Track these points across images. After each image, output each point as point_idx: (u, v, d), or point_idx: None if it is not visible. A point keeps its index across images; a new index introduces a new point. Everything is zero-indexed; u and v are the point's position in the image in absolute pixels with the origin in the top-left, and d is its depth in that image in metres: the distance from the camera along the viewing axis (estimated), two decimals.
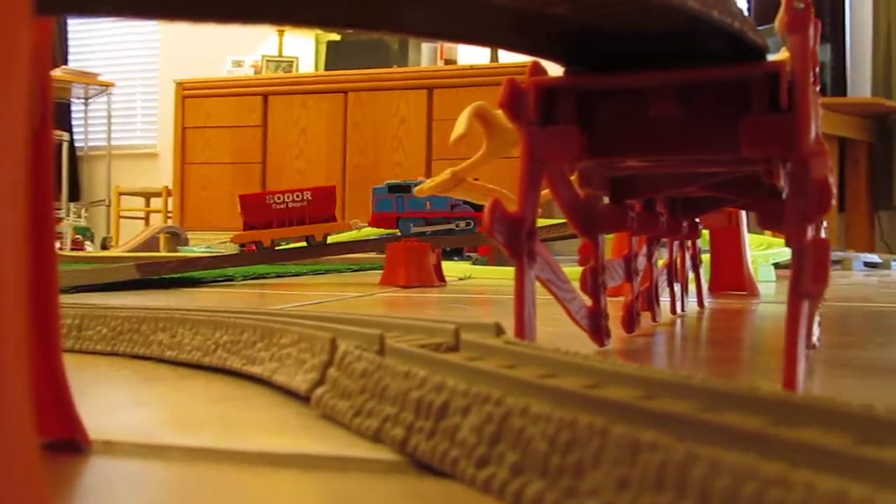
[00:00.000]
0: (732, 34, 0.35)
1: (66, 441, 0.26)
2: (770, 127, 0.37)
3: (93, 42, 4.93)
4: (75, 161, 4.75)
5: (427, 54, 4.16)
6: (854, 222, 3.48)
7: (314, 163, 3.96)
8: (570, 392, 0.23)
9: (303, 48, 4.40)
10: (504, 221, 0.40)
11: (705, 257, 1.14)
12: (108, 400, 0.36)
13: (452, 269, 1.67)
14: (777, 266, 1.63)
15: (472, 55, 4.02)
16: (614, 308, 0.54)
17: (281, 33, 4.33)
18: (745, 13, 0.36)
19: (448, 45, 4.05)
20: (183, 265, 1.26)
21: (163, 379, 0.40)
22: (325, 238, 1.43)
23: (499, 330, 0.37)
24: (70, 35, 4.87)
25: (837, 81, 3.58)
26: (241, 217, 1.45)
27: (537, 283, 0.43)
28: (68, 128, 4.69)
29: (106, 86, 4.60)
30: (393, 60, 4.10)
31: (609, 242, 0.68)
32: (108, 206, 4.58)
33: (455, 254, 2.19)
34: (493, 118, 0.55)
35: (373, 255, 1.78)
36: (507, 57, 3.91)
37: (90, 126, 4.83)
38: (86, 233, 3.96)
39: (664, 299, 0.72)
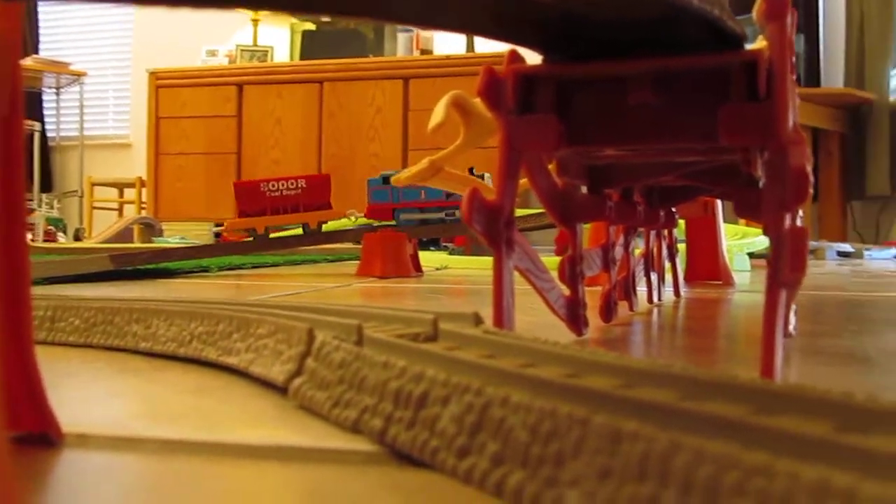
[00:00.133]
0: (711, 22, 0.35)
1: (39, 434, 0.26)
2: (748, 115, 0.37)
3: (64, 30, 4.87)
4: (47, 151, 4.69)
5: (403, 44, 4.14)
6: (827, 212, 3.51)
7: (289, 153, 3.93)
8: (550, 382, 0.23)
9: (278, 38, 4.37)
10: (482, 210, 0.40)
11: (681, 247, 1.15)
12: (82, 392, 0.35)
13: (429, 259, 1.67)
14: (752, 255, 1.64)
15: (447, 45, 4.02)
16: (592, 297, 0.54)
17: (255, 23, 4.30)
18: (724, 1, 0.36)
19: (424, 35, 4.03)
20: (157, 256, 1.24)
21: (137, 371, 0.40)
22: (319, 226, 1.42)
23: (477, 319, 0.36)
24: (41, 23, 4.80)
25: (811, 72, 3.61)
26: (235, 204, 1.45)
27: (515, 273, 0.43)
28: (40, 118, 4.63)
29: (78, 75, 4.55)
30: (368, 50, 4.08)
31: (586, 232, 0.68)
32: (81, 196, 4.53)
33: (431, 244, 2.19)
34: (471, 107, 0.55)
35: (349, 245, 1.78)
36: (483, 47, 3.91)
37: (62, 116, 4.78)
38: (58, 224, 3.91)
39: (641, 289, 0.73)
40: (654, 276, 0.78)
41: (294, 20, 4.27)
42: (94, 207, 4.40)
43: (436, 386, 0.25)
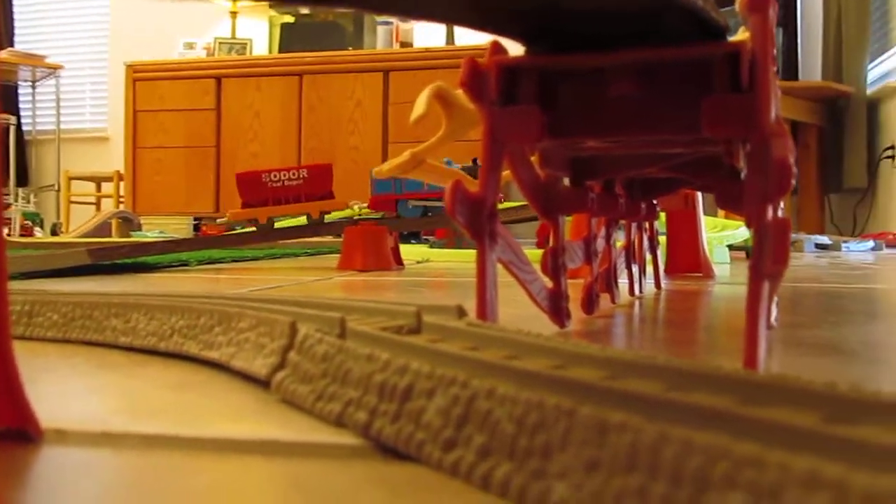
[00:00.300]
0: (695, 13, 0.35)
1: (17, 430, 0.25)
2: (731, 107, 0.37)
3: (40, 23, 4.82)
4: (23, 145, 4.65)
5: (383, 37, 4.13)
6: (805, 205, 3.54)
7: (269, 146, 3.92)
8: (536, 373, 0.23)
9: (256, 30, 4.35)
10: (466, 202, 0.40)
11: (662, 239, 1.15)
12: (60, 388, 0.35)
13: (410, 252, 1.67)
14: (731, 247, 1.65)
15: (427, 37, 4.01)
16: (574, 289, 0.54)
17: (234, 15, 4.27)
18: None
19: (404, 28, 4.02)
20: (136, 250, 1.23)
21: (117, 365, 0.39)
22: (321, 216, 1.41)
23: (461, 312, 0.36)
24: (16, 16, 4.75)
25: (789, 65, 3.63)
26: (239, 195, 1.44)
27: (498, 265, 0.43)
28: (16, 111, 4.58)
29: (54, 68, 4.51)
30: (348, 43, 4.07)
31: (567, 224, 0.68)
32: (58, 191, 4.50)
33: (412, 237, 2.19)
34: (453, 99, 0.55)
35: (329, 238, 1.77)
36: (463, 39, 3.90)
37: (38, 110, 4.73)
38: (35, 218, 3.88)
39: (622, 281, 0.73)
40: (635, 269, 0.79)
41: (273, 13, 4.25)
42: (72, 202, 4.36)
43: (421, 378, 0.24)
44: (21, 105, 4.71)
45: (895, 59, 3.44)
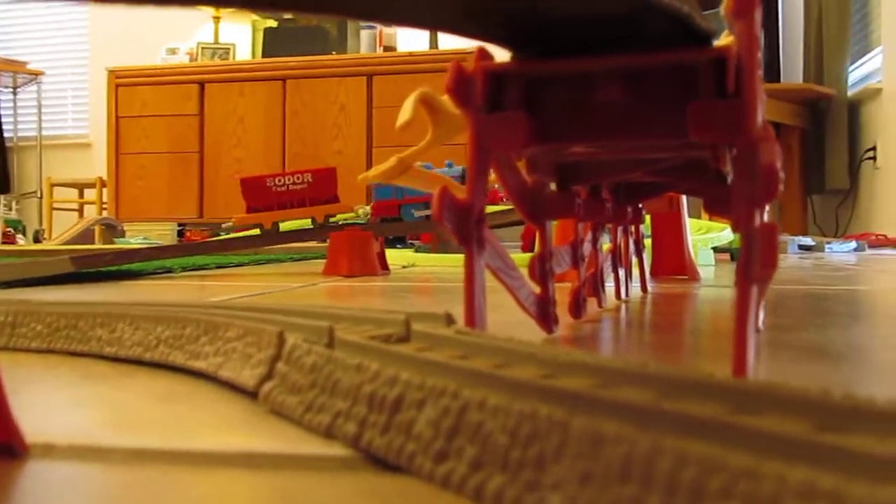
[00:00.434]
0: (681, 19, 0.35)
1: (2, 445, 0.25)
2: (717, 112, 0.37)
3: (20, 29, 4.80)
4: (4, 152, 4.60)
5: (366, 41, 4.13)
6: (788, 206, 3.56)
7: (252, 151, 3.91)
8: (527, 383, 0.23)
9: (239, 35, 4.33)
10: (453, 209, 0.40)
11: (647, 242, 1.16)
12: (45, 400, 0.34)
13: (396, 256, 1.66)
14: (716, 250, 1.65)
15: (411, 42, 4.01)
16: (561, 293, 0.54)
17: (217, 20, 4.26)
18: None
19: (387, 32, 4.02)
20: (120, 257, 1.23)
21: (103, 376, 0.39)
22: (326, 219, 1.40)
23: (449, 319, 0.36)
24: None
25: (770, 68, 3.65)
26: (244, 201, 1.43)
27: (485, 271, 0.43)
28: None
29: (35, 74, 4.48)
30: (332, 47, 4.07)
31: (553, 229, 0.68)
32: (40, 197, 4.47)
33: (398, 241, 2.19)
34: (439, 104, 0.55)
35: (314, 243, 1.77)
36: (447, 44, 3.91)
37: (20, 116, 4.70)
38: (17, 225, 3.85)
39: (608, 284, 0.73)
40: (621, 272, 0.79)
41: (256, 17, 4.24)
42: (54, 208, 4.34)
43: (411, 389, 0.24)
44: (2, 111, 4.67)
45: (876, 61, 3.47)
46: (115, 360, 0.43)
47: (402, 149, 0.59)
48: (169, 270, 1.34)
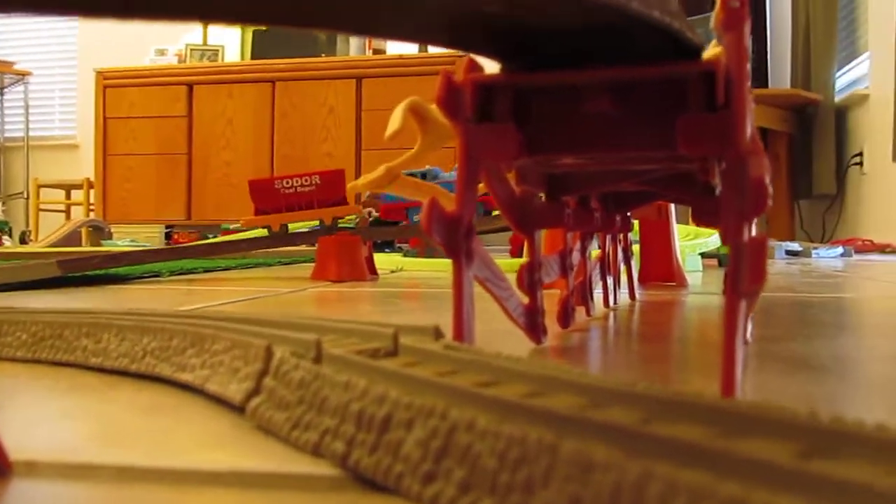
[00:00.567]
0: (670, 33, 0.35)
1: None
2: (707, 125, 0.37)
3: (8, 29, 4.77)
4: None
5: (355, 44, 4.13)
6: (775, 211, 3.57)
7: (241, 153, 3.90)
8: (515, 404, 0.23)
9: (228, 37, 4.33)
10: (442, 221, 0.40)
11: (635, 248, 1.16)
12: (30, 413, 0.34)
13: (384, 261, 1.66)
14: (703, 255, 1.66)
15: (400, 45, 4.01)
16: (549, 301, 0.54)
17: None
18: (683, 14, 0.36)
19: None
20: (107, 261, 1.22)
21: (88, 388, 0.39)
22: (334, 222, 1.40)
23: (438, 333, 0.36)
24: None
25: (758, 73, 3.67)
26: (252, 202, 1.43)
27: (474, 283, 0.42)
28: None
29: (22, 75, 4.46)
30: (321, 50, 4.06)
31: (541, 238, 0.68)
32: (27, 198, 4.44)
33: (386, 245, 2.18)
34: (428, 113, 0.55)
35: (303, 247, 1.76)
36: (436, 48, 3.91)
37: (7, 116, 4.68)
38: (3, 227, 3.83)
39: (597, 291, 0.73)
40: (609, 280, 0.79)
41: None
42: (41, 209, 4.31)
43: (399, 409, 0.24)
44: None
45: (862, 67, 3.49)
46: (101, 370, 0.42)
47: (391, 152, 0.59)
48: (156, 274, 1.33)
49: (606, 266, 0.78)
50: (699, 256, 1.58)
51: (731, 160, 0.37)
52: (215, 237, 2.99)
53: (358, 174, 3.70)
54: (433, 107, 0.52)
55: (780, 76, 3.96)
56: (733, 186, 0.36)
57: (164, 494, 0.24)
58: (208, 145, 3.92)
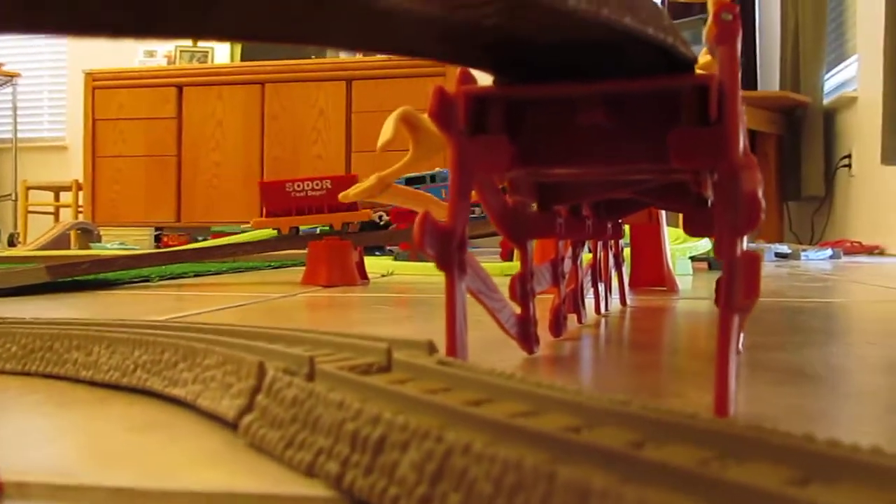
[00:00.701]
0: (664, 48, 0.35)
1: None
2: (700, 139, 0.37)
3: None
4: None
5: None
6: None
7: (231, 155, 3.89)
8: (511, 426, 0.23)
9: None
10: (435, 234, 0.40)
11: (626, 251, 1.16)
12: (21, 430, 0.34)
13: (374, 265, 1.66)
14: (693, 259, 1.66)
15: None
16: (541, 306, 0.54)
17: None
18: (677, 28, 0.36)
19: None
20: (96, 266, 1.21)
21: (79, 403, 0.38)
22: (343, 227, 1.40)
23: (431, 348, 0.36)
24: None
25: (747, 76, 3.68)
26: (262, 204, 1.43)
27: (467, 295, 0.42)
28: None
29: (11, 76, 4.44)
30: (311, 51, 4.05)
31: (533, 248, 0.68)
32: (16, 200, 4.42)
33: (377, 248, 2.18)
34: (420, 123, 0.54)
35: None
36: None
37: None
38: None
39: (588, 297, 0.73)
40: (601, 287, 0.79)
41: None
42: (30, 211, 4.29)
43: (394, 430, 0.24)
44: None
45: (851, 69, 3.50)
46: (92, 383, 0.42)
47: (381, 154, 0.59)
48: (146, 280, 1.33)
49: (598, 273, 0.78)
50: (689, 260, 1.58)
51: (723, 174, 0.37)
52: (205, 239, 2.98)
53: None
54: (425, 116, 0.52)
55: (770, 78, 3.97)
56: (726, 201, 0.36)
57: None
58: (198, 147, 3.91)
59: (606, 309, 0.81)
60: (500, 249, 1.85)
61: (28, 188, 4.27)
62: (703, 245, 1.61)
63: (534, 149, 0.42)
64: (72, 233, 2.81)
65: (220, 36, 0.26)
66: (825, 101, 3.60)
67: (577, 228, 0.60)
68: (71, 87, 4.53)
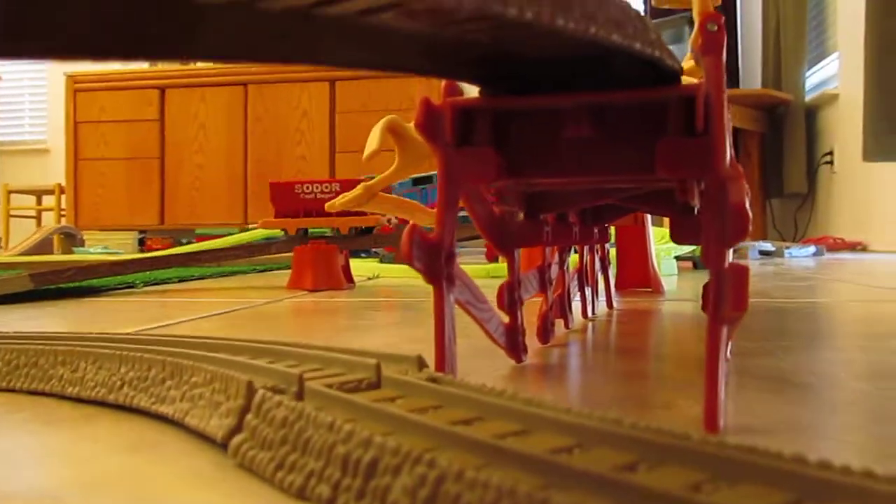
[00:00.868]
0: (651, 62, 0.35)
1: None
2: (686, 150, 0.37)
3: None
4: None
5: None
6: None
7: (214, 157, 3.88)
8: (503, 449, 0.23)
9: None
10: (423, 247, 0.40)
11: (612, 251, 1.16)
12: (6, 451, 0.33)
13: (360, 267, 1.66)
14: (678, 258, 1.67)
15: None
16: (529, 310, 0.54)
17: None
18: (663, 41, 0.36)
19: None
20: (80, 273, 1.21)
21: (65, 422, 0.38)
22: (350, 230, 1.39)
23: (421, 363, 0.36)
24: None
25: (729, 74, 3.69)
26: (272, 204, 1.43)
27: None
28: None
29: None
30: None
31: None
32: None
33: (362, 251, 2.18)
34: (405, 132, 0.54)
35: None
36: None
37: None
38: None
39: (575, 300, 0.73)
40: (588, 290, 0.79)
41: None
42: (11, 216, 4.26)
43: (386, 453, 0.24)
44: None
45: (832, 67, 3.52)
46: (78, 400, 0.42)
47: (363, 154, 0.58)
48: (130, 286, 1.32)
49: (584, 277, 0.78)
50: (674, 260, 1.58)
51: (710, 185, 0.37)
52: (189, 242, 2.96)
53: (333, 177, 3.69)
54: (410, 125, 0.52)
55: (751, 76, 3.99)
56: (713, 212, 0.36)
57: None
58: (181, 149, 3.89)
59: (593, 313, 0.81)
60: (484, 250, 1.85)
61: (10, 192, 4.24)
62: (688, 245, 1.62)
63: (520, 160, 0.41)
64: (55, 237, 2.80)
65: (207, 56, 0.26)
66: (807, 99, 3.63)
67: (564, 234, 0.60)
68: (52, 90, 4.50)
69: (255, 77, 3.83)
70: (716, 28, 0.38)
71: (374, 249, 2.14)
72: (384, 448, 0.24)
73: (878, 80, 2.63)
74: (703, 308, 0.42)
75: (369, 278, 1.58)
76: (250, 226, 2.14)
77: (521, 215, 0.53)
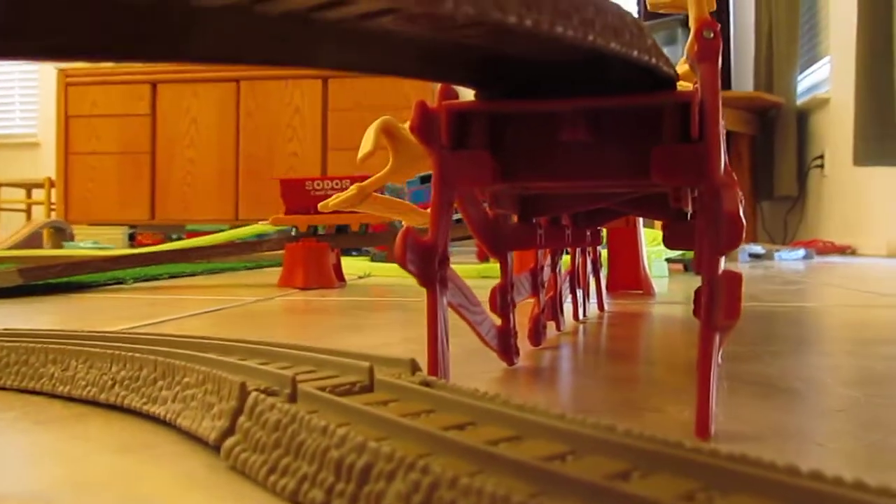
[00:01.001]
0: (646, 67, 0.35)
1: None
2: (681, 156, 0.37)
3: None
4: None
5: None
6: None
7: (205, 153, 3.86)
8: (496, 455, 0.23)
9: None
10: (416, 250, 0.40)
11: (603, 252, 1.16)
12: None
13: (351, 266, 1.66)
14: (669, 260, 1.67)
15: None
16: (521, 312, 0.54)
17: None
18: (659, 48, 0.36)
19: None
20: (69, 269, 1.20)
21: (56, 421, 0.38)
22: (360, 228, 1.39)
23: (414, 366, 0.36)
24: None
25: (722, 77, 3.70)
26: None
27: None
28: None
29: None
30: None
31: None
32: None
33: (353, 248, 2.18)
34: (400, 133, 0.54)
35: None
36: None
37: None
38: None
39: (566, 302, 0.73)
40: (579, 293, 0.79)
41: None
42: (1, 209, 4.24)
43: (380, 459, 0.24)
44: None
45: (823, 71, 3.53)
46: (69, 399, 0.42)
47: (356, 152, 0.58)
48: (120, 282, 1.32)
49: (576, 279, 0.78)
50: (665, 261, 1.59)
51: (705, 193, 0.37)
52: (179, 238, 2.96)
53: (325, 174, 3.69)
54: (405, 126, 0.52)
55: (744, 79, 4.00)
56: (707, 220, 0.36)
57: None
58: (172, 144, 3.88)
59: (584, 315, 0.82)
60: (475, 250, 1.85)
61: None
62: None
63: (515, 163, 0.41)
64: (44, 231, 2.78)
65: (206, 58, 0.26)
66: (798, 102, 3.64)
67: (557, 237, 0.60)
68: (43, 84, 4.48)
69: (247, 73, 3.82)
70: (712, 35, 0.38)
71: (364, 248, 2.14)
72: (378, 453, 0.24)
73: (870, 84, 2.64)
74: (695, 314, 0.42)
75: (360, 277, 1.58)
76: (260, 222, 2.13)
77: (515, 218, 0.53)
